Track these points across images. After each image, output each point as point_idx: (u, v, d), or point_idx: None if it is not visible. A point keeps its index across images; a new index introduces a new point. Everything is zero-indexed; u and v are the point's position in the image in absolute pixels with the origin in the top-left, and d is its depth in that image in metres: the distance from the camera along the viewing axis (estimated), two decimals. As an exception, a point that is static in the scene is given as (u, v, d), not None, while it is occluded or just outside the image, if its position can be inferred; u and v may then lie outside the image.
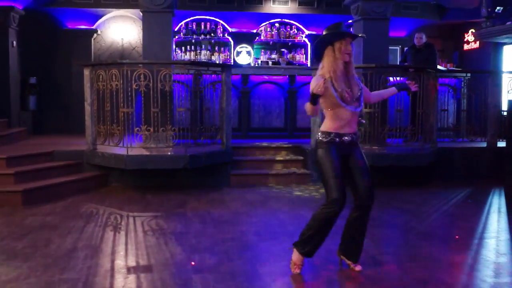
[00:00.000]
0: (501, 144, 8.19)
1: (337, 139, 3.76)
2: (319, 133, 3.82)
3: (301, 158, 8.07)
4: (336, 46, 3.69)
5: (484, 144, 8.43)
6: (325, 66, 3.72)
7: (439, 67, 9.27)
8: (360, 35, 3.90)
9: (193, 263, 4.10)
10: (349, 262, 3.96)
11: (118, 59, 10.73)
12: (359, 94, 3.76)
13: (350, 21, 9.03)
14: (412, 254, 4.37)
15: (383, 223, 5.46)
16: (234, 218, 5.65)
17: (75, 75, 10.41)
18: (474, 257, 4.37)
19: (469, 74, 8.82)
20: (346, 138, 3.78)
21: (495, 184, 7.60)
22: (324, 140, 3.77)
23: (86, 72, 7.33)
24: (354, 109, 3.74)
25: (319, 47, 3.77)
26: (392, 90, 4.29)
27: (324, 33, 3.76)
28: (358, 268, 3.91)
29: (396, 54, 11.90)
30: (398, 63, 10.80)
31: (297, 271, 3.85)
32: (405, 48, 10.23)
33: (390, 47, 9.23)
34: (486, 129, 8.49)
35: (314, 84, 3.50)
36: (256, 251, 4.50)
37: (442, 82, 8.61)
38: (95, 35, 11.08)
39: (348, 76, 3.75)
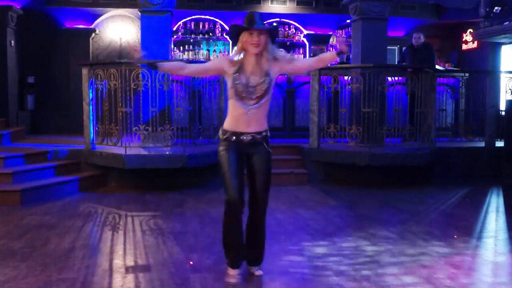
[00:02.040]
0: (499, 144, 8.21)
1: (234, 137, 3.58)
2: (220, 128, 3.69)
3: (299, 157, 8.08)
4: (242, 38, 3.50)
5: (482, 144, 8.44)
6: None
7: (437, 67, 9.29)
8: (263, 28, 3.50)
9: (191, 262, 4.10)
10: (250, 267, 3.83)
11: (117, 58, 10.71)
12: (262, 92, 3.50)
13: (349, 20, 9.02)
14: (410, 254, 4.37)
15: (381, 223, 5.47)
16: (232, 217, 5.63)
17: (73, 75, 10.39)
18: (472, 257, 4.38)
19: (467, 74, 8.83)
20: (244, 137, 3.56)
21: (493, 183, 7.61)
22: (222, 137, 3.63)
23: (85, 71, 7.32)
24: (248, 107, 3.51)
25: (232, 36, 3.61)
26: (331, 53, 3.81)
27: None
28: (258, 272, 3.80)
29: (394, 54, 11.89)
30: (396, 63, 10.81)
31: (232, 280, 3.65)
32: (403, 48, 10.25)
33: (388, 47, 9.24)
34: (484, 129, 8.50)
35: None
36: (254, 250, 4.49)
37: (440, 82, 8.62)
38: (93, 34, 11.06)
39: (259, 70, 3.52)
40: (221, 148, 3.64)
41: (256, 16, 3.49)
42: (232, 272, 3.69)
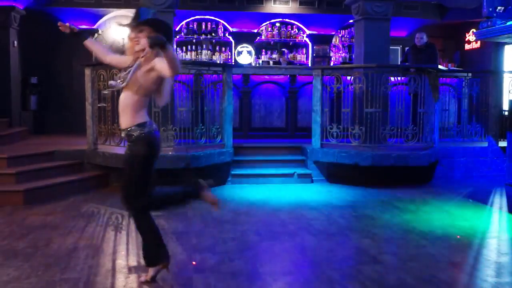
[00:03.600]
0: (502, 144, 8.19)
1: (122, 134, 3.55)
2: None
3: (302, 158, 8.07)
4: (128, 35, 3.49)
5: (485, 144, 8.42)
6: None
7: (440, 67, 9.27)
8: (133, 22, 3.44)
9: (194, 262, 4.10)
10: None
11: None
12: (126, 81, 3.41)
13: (351, 20, 9.02)
14: (413, 254, 4.37)
15: (384, 223, 5.46)
16: (235, 217, 5.65)
17: (76, 75, 10.42)
18: (475, 257, 4.37)
19: (470, 74, 8.80)
20: (122, 134, 3.53)
21: (496, 183, 7.60)
22: None
23: (87, 72, 7.33)
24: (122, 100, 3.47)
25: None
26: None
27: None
28: (142, 278, 3.68)
29: (397, 54, 11.90)
30: (399, 63, 10.80)
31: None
32: (406, 48, 10.24)
33: (391, 47, 9.23)
34: (487, 129, 8.49)
35: None
36: (257, 250, 4.50)
37: (443, 82, 8.60)
38: (96, 35, 11.07)
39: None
40: None
41: (140, 13, 3.40)
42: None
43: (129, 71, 3.42)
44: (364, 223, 5.46)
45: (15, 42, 9.82)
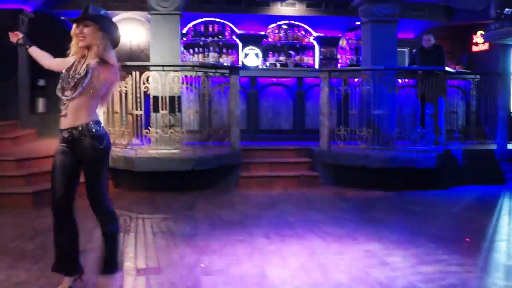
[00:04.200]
0: (511, 146, 8.15)
1: (60, 135, 3.39)
2: None
3: (310, 160, 8.06)
4: (72, 31, 3.46)
5: (494, 146, 8.38)
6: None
7: (447, 68, 9.24)
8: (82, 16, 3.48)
9: (202, 265, 4.10)
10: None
11: (126, 61, 10.75)
12: (76, 82, 3.28)
13: (358, 23, 9.01)
14: (420, 256, 4.35)
15: (392, 226, 5.44)
16: (243, 220, 5.65)
17: (83, 78, 10.44)
18: (484, 260, 4.35)
19: (478, 76, 8.77)
20: (63, 134, 3.35)
21: (505, 186, 7.56)
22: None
23: (95, 74, 7.36)
24: (65, 98, 3.30)
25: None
26: None
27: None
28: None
29: (404, 56, 11.86)
30: (406, 65, 10.78)
31: None
32: (414, 50, 10.22)
33: (398, 49, 9.21)
34: (495, 131, 8.45)
35: None
36: (265, 253, 4.49)
37: (451, 84, 8.57)
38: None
39: (84, 62, 3.37)
40: (56, 149, 3.50)
41: (88, 8, 3.41)
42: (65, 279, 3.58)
43: (79, 75, 3.30)
44: (372, 225, 5.44)
45: (23, 45, 9.86)
